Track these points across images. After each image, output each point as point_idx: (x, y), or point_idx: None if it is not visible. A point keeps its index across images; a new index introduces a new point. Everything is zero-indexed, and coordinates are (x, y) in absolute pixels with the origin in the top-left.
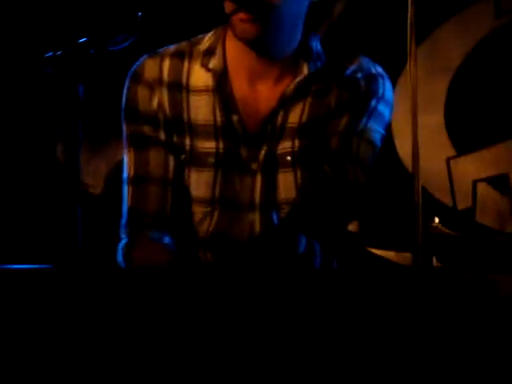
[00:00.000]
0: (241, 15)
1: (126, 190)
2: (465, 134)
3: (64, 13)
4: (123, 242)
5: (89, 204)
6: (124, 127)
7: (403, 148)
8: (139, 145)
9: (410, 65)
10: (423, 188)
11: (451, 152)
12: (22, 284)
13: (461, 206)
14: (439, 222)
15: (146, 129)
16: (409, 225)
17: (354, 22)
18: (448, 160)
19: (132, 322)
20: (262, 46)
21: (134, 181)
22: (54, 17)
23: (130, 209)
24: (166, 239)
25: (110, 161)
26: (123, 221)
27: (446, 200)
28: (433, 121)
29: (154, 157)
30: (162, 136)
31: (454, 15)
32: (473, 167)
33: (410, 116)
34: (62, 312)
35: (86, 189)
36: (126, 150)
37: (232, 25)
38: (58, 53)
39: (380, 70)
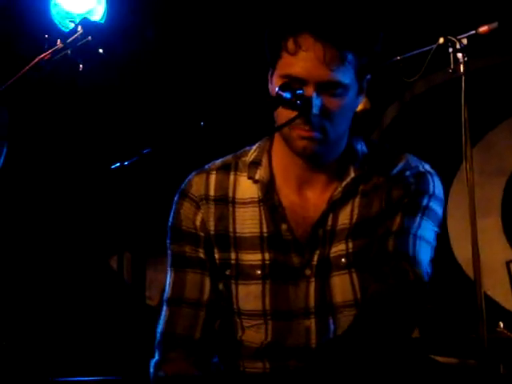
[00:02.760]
0: (302, 132)
1: (163, 310)
2: None
3: (130, 123)
4: (154, 359)
5: (147, 316)
6: (168, 246)
7: (461, 252)
8: (179, 265)
9: (466, 168)
10: (484, 293)
11: (511, 255)
12: None
13: None
14: (504, 327)
15: (187, 248)
16: (472, 330)
17: (408, 126)
18: (508, 264)
19: None
20: (313, 157)
21: (169, 302)
22: (120, 128)
23: (162, 331)
24: (190, 360)
25: (166, 273)
26: (156, 341)
27: (509, 305)
28: (490, 224)
29: (191, 278)
30: (202, 255)
31: (509, 117)
32: None
33: (466, 219)
34: None
35: (145, 301)
36: (168, 269)
37: (289, 140)
38: (126, 163)
39: (427, 167)
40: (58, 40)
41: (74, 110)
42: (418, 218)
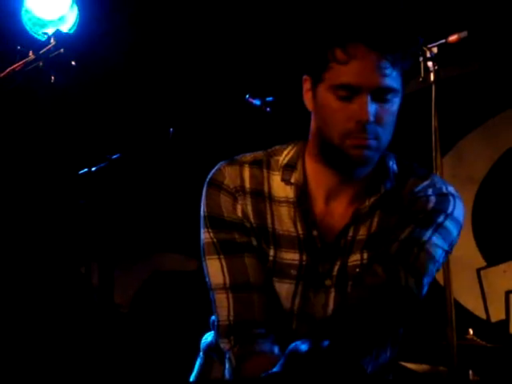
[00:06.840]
0: (357, 141)
1: (220, 298)
2: (494, 244)
3: (97, 129)
4: (231, 351)
5: (119, 323)
6: (206, 235)
7: None
8: (231, 251)
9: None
10: (454, 299)
11: (481, 263)
12: None
13: (494, 317)
14: (473, 333)
15: (237, 235)
16: (441, 337)
17: None
18: (478, 271)
19: None
20: (366, 164)
21: (234, 288)
22: (87, 134)
23: (235, 318)
24: (276, 349)
25: (137, 281)
26: (222, 330)
27: (479, 312)
28: (461, 231)
29: (251, 263)
30: (254, 242)
31: (478, 126)
32: (504, 278)
33: None
34: None
35: (117, 309)
36: (208, 257)
37: (341, 149)
38: (93, 169)
39: (451, 189)
40: (30, 51)
41: (43, 117)
42: (428, 233)
